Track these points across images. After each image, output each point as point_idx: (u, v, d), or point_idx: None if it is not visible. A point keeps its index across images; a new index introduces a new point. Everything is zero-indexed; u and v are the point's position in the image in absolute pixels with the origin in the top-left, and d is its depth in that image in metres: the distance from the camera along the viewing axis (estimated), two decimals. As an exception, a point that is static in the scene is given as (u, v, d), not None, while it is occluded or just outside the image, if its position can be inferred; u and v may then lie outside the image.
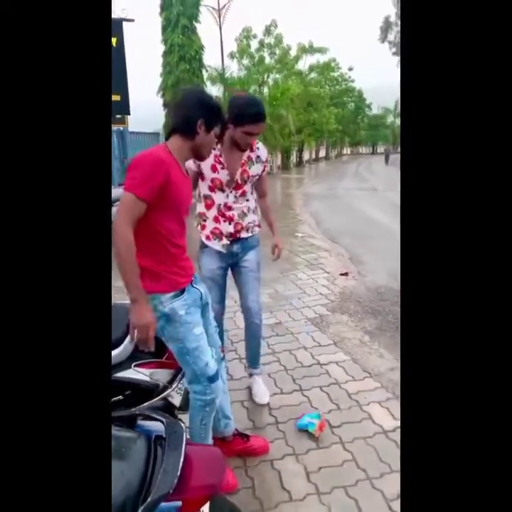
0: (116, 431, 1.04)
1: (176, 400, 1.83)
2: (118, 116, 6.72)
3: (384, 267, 4.92)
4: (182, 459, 0.90)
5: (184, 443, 0.95)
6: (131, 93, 7.03)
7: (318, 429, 2.12)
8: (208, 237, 2.23)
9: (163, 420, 1.02)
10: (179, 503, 0.88)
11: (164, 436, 0.98)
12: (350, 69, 42.80)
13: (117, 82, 6.03)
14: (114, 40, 6.18)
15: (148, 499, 0.83)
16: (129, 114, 7.13)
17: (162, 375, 1.71)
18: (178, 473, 0.87)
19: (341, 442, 2.08)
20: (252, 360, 2.51)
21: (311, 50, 26.16)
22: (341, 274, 4.76)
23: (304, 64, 27.55)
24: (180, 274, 1.63)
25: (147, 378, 1.66)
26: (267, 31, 22.12)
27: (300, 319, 3.57)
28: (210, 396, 1.66)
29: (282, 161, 26.92)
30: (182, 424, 1.01)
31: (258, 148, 2.22)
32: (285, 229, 7.56)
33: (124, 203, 1.44)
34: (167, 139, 1.63)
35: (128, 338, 1.67)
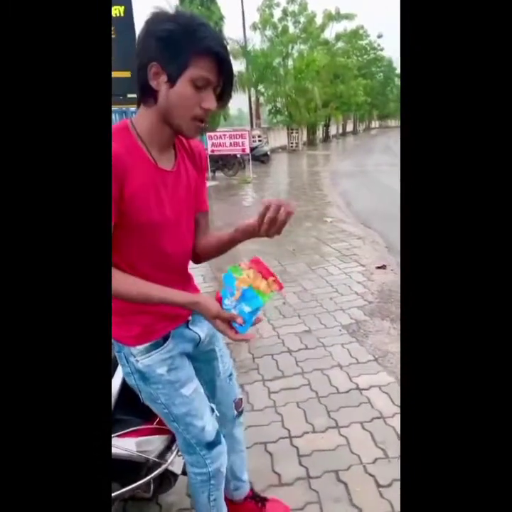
0: None
1: (177, 466, 1.40)
2: (129, 95, 6.14)
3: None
4: None
5: None
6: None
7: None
8: None
9: None
10: None
11: None
12: (380, 36, 40.87)
13: (126, 57, 5.45)
14: (121, 10, 5.57)
15: None
16: (141, 92, 6.53)
17: (153, 445, 1.27)
18: None
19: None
20: None
21: (337, 17, 24.87)
22: (378, 267, 4.21)
23: (330, 33, 26.38)
24: (159, 316, 1.11)
25: (132, 452, 1.22)
26: (291, -2, 21.10)
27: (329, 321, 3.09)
28: (213, 466, 1.22)
29: (308, 136, 25.98)
30: None
31: None
32: (314, 212, 7.01)
33: None
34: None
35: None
